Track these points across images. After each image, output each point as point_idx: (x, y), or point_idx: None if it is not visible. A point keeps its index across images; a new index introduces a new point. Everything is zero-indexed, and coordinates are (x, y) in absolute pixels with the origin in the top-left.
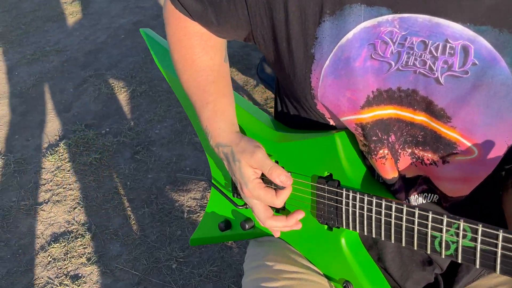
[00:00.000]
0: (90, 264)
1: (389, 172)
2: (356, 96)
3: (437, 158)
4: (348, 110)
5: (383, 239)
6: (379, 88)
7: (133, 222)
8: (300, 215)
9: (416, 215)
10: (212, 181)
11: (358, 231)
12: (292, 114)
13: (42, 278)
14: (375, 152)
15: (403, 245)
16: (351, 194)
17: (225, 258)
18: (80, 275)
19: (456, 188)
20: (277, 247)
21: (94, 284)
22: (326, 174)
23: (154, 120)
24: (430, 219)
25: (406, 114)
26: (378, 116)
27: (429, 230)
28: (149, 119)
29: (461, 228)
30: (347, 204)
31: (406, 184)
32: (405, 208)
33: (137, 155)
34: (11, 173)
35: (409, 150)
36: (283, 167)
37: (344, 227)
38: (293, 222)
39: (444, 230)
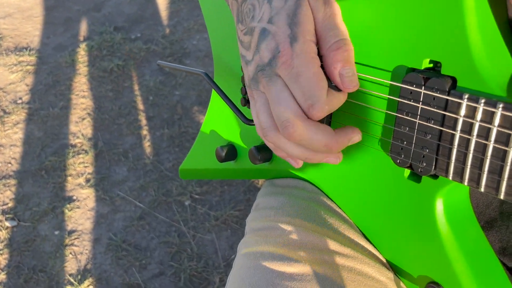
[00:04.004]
0: (88, 186)
1: None
2: None
3: None
4: None
5: None
6: None
7: (147, 144)
8: (355, 134)
9: None
10: (214, 79)
11: (476, 187)
12: None
13: (31, 195)
14: None
15: None
16: (481, 107)
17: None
18: (74, 197)
19: None
20: (306, 201)
21: (88, 211)
22: (427, 63)
23: (193, 29)
24: None
25: None
26: None
27: None
28: (187, 27)
29: None
30: (466, 127)
31: None
32: None
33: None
34: (23, 71)
35: None
36: None
37: (450, 176)
38: (343, 142)
39: None
